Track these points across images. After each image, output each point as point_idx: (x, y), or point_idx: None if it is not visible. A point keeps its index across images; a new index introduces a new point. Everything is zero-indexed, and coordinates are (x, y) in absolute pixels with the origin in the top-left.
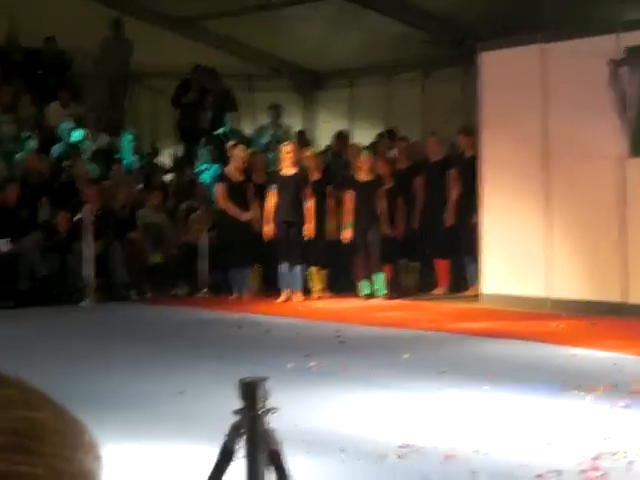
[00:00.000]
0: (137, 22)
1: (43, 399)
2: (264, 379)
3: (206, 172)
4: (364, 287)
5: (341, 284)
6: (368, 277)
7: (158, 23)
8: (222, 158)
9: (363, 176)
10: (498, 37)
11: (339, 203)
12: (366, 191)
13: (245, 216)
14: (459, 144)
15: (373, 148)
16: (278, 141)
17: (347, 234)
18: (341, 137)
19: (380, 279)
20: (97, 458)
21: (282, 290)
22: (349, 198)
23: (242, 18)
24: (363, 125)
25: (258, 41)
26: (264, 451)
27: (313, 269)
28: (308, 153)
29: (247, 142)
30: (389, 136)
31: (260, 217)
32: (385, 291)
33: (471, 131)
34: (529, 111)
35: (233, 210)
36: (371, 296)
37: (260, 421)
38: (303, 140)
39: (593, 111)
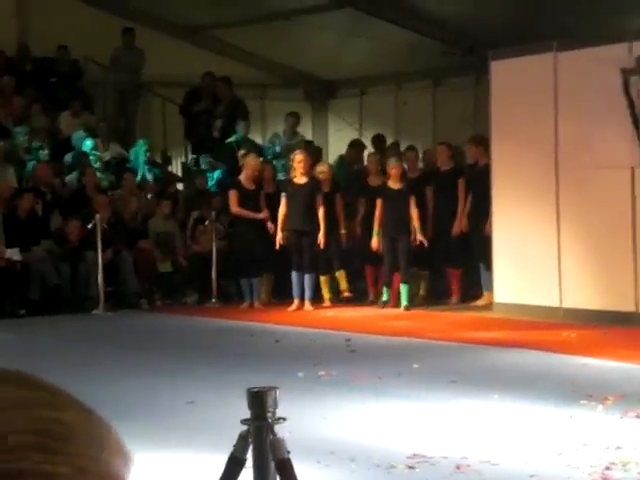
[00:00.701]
0: (149, 31)
1: (70, 400)
2: (273, 388)
3: (209, 180)
4: (385, 294)
5: (353, 292)
6: (389, 285)
7: (170, 32)
8: (232, 166)
9: (392, 183)
10: (509, 46)
11: (352, 211)
12: (396, 199)
13: (263, 214)
14: (468, 153)
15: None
16: (290, 150)
17: (375, 242)
18: (355, 146)
19: (405, 290)
20: (125, 461)
21: (294, 298)
22: (379, 205)
23: (253, 27)
24: (374, 133)
25: (269, 50)
26: (272, 460)
27: (323, 278)
28: (320, 168)
29: (259, 151)
30: (379, 143)
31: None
32: (407, 303)
33: (480, 140)
34: (541, 120)
35: (247, 214)
36: (387, 304)
37: (269, 430)
38: (311, 150)
39: (605, 120)
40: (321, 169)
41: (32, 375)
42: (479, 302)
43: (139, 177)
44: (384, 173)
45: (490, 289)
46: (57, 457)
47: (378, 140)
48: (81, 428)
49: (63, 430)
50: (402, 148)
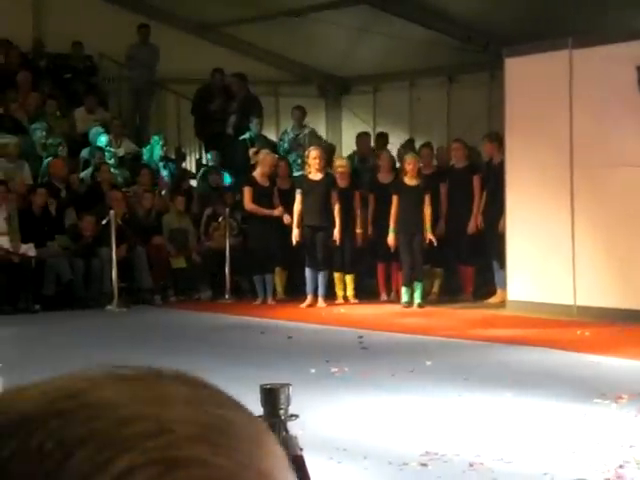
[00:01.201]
0: (164, 28)
1: (233, 401)
2: (286, 385)
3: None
4: (405, 294)
5: (364, 290)
6: (408, 284)
7: (184, 29)
8: (245, 163)
9: (409, 180)
10: (524, 43)
11: (366, 207)
12: (412, 195)
13: (278, 211)
14: (484, 150)
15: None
16: (300, 144)
17: (392, 239)
18: (362, 138)
19: (420, 288)
20: (281, 463)
21: (307, 294)
22: (395, 202)
23: (267, 24)
24: (388, 130)
25: (283, 47)
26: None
27: (337, 275)
28: (339, 162)
29: (272, 147)
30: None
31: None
32: (420, 301)
33: (495, 137)
34: (555, 117)
35: (262, 211)
36: (410, 304)
37: (281, 427)
38: (324, 145)
39: (620, 118)
40: (340, 163)
41: (197, 376)
42: (492, 300)
43: (155, 173)
44: (395, 170)
45: (504, 286)
46: (219, 449)
47: (381, 138)
48: (243, 426)
49: (227, 426)
50: (416, 145)
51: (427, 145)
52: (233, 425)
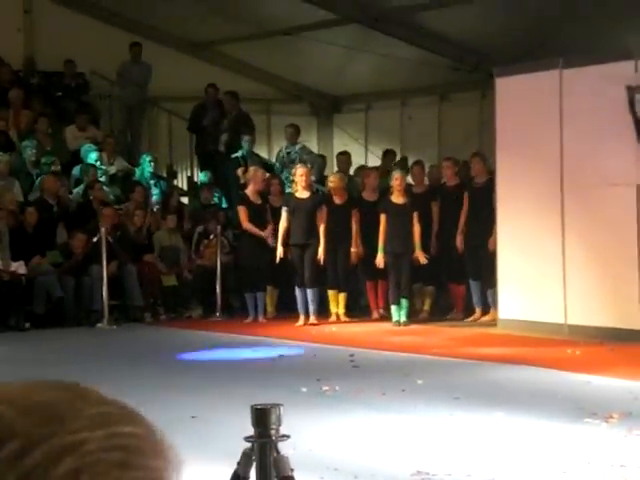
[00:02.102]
0: (155, 46)
1: (138, 415)
2: (277, 405)
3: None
4: (396, 313)
5: (360, 307)
6: (397, 303)
7: (176, 47)
8: (238, 181)
9: (395, 198)
10: (515, 62)
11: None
12: (400, 214)
13: (267, 232)
14: (472, 168)
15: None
16: (292, 160)
17: (380, 258)
18: (342, 156)
19: (405, 306)
20: (178, 469)
21: (300, 313)
22: (383, 221)
23: (259, 43)
24: (379, 148)
25: (275, 65)
26: (276, 478)
27: (331, 293)
28: (330, 177)
29: (264, 165)
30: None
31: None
32: (406, 319)
33: (484, 156)
34: (546, 136)
35: (257, 232)
36: (399, 323)
37: (272, 448)
38: (319, 161)
39: (610, 137)
40: (331, 178)
41: (92, 388)
42: (473, 318)
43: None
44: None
45: (480, 305)
46: (138, 472)
47: (388, 155)
48: (151, 440)
49: (139, 444)
50: (408, 164)
51: (418, 163)
52: (144, 442)
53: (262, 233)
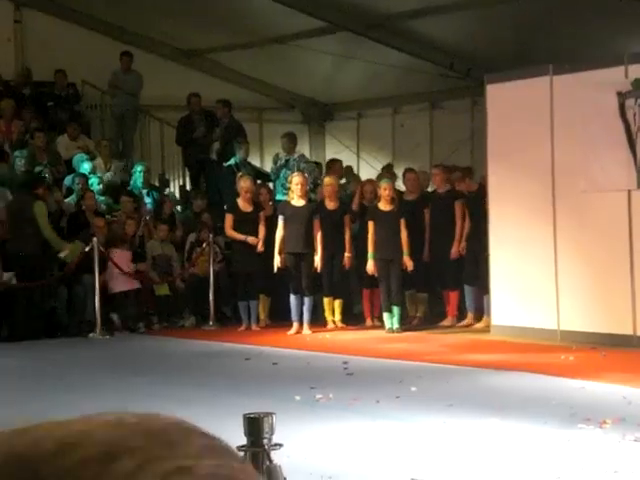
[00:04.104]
0: (146, 55)
1: (235, 451)
2: (269, 414)
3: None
4: (389, 320)
5: (356, 315)
6: (389, 310)
7: (168, 56)
8: (232, 188)
9: (383, 205)
10: (506, 69)
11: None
12: (387, 221)
13: (252, 240)
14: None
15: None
16: (290, 168)
17: (371, 265)
18: (332, 164)
19: (397, 313)
20: None
21: (293, 322)
22: (371, 228)
23: (250, 51)
24: (371, 156)
25: (267, 74)
26: None
27: (326, 300)
28: (325, 180)
29: (256, 173)
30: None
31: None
32: (398, 326)
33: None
34: (537, 143)
35: (238, 237)
36: (392, 330)
37: (265, 457)
38: (316, 169)
39: (601, 143)
40: (326, 181)
41: (193, 425)
42: (464, 322)
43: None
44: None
45: (473, 310)
46: None
47: (386, 168)
48: (247, 472)
49: (239, 476)
50: (400, 170)
51: (411, 170)
52: (245, 474)
53: (247, 238)
